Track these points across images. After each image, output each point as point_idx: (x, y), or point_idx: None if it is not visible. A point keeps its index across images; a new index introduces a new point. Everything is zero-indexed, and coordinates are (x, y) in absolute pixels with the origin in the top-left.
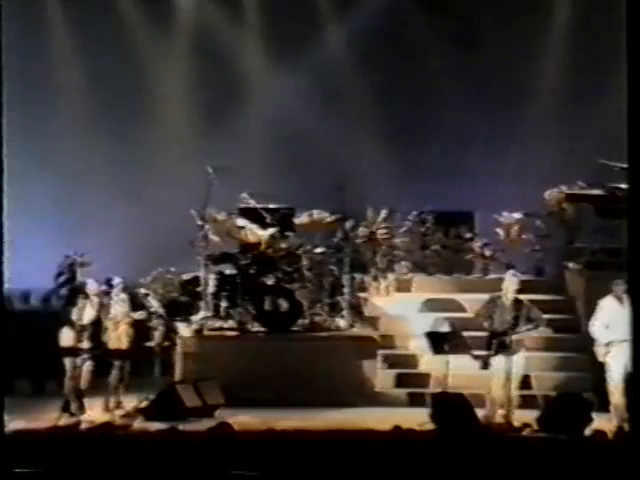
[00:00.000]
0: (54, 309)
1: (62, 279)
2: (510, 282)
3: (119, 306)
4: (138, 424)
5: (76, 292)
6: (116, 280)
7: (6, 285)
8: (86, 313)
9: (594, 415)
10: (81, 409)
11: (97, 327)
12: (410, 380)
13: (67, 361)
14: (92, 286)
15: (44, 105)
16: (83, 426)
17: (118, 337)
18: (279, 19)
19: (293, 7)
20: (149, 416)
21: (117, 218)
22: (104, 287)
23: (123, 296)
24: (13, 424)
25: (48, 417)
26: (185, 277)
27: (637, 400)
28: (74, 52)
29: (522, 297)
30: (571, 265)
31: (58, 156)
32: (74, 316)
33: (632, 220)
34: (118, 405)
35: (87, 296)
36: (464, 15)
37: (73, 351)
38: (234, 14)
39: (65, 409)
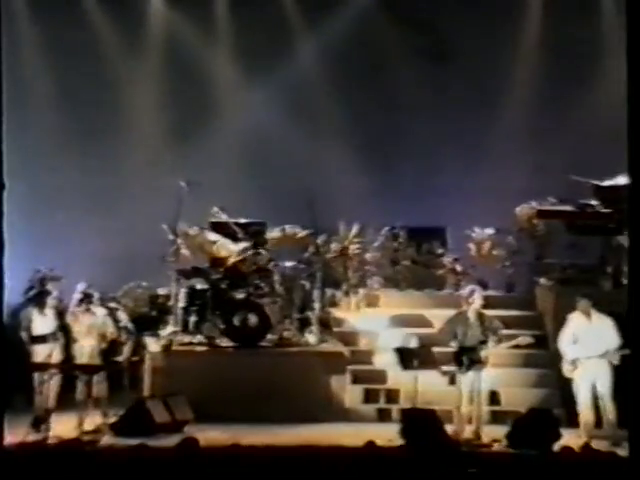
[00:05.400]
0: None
1: (32, 293)
2: (476, 297)
3: (92, 319)
4: (106, 440)
5: (38, 304)
6: (95, 294)
7: None
8: (46, 325)
9: (563, 431)
10: (48, 425)
11: (65, 341)
12: (379, 396)
13: (36, 376)
14: (52, 298)
15: (16, 118)
16: (51, 442)
17: (86, 351)
18: (250, 32)
19: (264, 20)
20: (118, 431)
21: (88, 232)
22: (77, 299)
23: (99, 309)
24: None
25: (16, 433)
26: (159, 291)
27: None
28: (46, 66)
29: (484, 311)
30: (542, 281)
31: (29, 169)
32: (36, 329)
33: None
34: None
35: (44, 307)
36: (436, 27)
37: (41, 366)
38: (205, 27)
39: (34, 425)
